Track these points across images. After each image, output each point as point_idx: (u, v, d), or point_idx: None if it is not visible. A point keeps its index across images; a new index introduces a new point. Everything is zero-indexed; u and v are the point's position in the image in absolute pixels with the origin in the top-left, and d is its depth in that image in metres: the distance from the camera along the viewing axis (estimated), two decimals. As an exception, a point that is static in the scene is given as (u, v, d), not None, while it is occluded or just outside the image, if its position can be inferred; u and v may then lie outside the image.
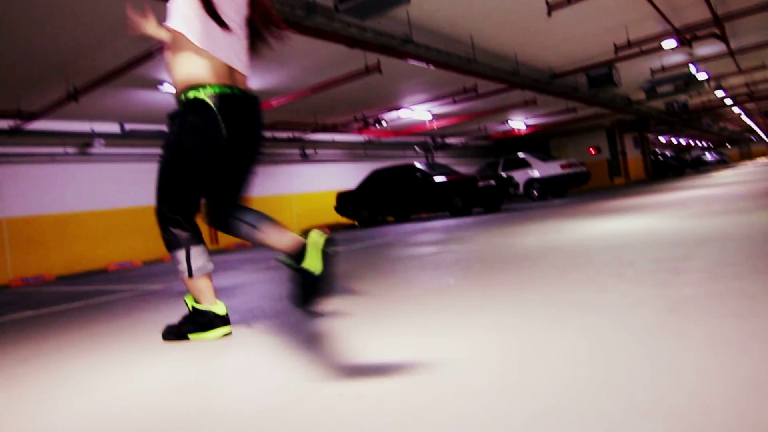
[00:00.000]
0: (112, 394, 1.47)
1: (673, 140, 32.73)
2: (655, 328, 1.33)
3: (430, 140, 16.53)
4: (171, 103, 8.90)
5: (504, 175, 11.45)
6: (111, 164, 9.54)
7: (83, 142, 9.01)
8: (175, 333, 2.02)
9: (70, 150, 8.96)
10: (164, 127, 8.76)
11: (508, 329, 1.53)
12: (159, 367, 1.69)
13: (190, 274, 1.95)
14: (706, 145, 40.58)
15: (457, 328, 1.64)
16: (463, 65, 7.18)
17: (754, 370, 1.00)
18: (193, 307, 1.99)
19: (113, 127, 9.42)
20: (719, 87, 14.19)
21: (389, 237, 7.30)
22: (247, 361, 1.63)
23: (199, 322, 1.97)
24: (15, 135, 7.96)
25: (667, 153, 32.07)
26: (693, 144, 38.02)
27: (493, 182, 10.51)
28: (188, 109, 1.81)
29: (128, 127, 9.61)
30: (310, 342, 1.73)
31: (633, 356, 1.16)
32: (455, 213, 10.73)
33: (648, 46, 8.26)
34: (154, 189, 1.94)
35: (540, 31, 7.57)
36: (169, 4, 1.84)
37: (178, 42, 1.81)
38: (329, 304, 2.22)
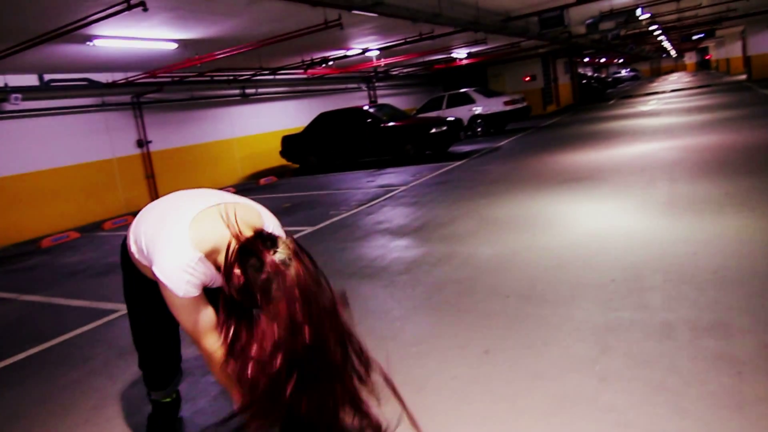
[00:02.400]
0: None
1: (595, 59, 33.66)
2: None
3: (372, 72, 15.77)
4: (104, 55, 7.51)
5: (453, 118, 11.27)
6: (30, 120, 8.24)
7: None
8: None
9: None
10: (89, 76, 7.44)
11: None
12: None
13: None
14: (621, 61, 42.35)
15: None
16: (430, 20, 6.72)
17: None
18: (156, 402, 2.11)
19: (30, 79, 8.07)
20: (654, 22, 14.53)
21: (340, 205, 7.02)
22: None
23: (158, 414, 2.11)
24: None
25: (589, 73, 33.23)
26: (611, 61, 39.47)
27: (445, 128, 10.36)
28: None
29: (48, 77, 8.30)
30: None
31: None
32: (407, 159, 10.56)
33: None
34: None
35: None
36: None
37: None
38: None
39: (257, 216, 1.64)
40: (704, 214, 4.02)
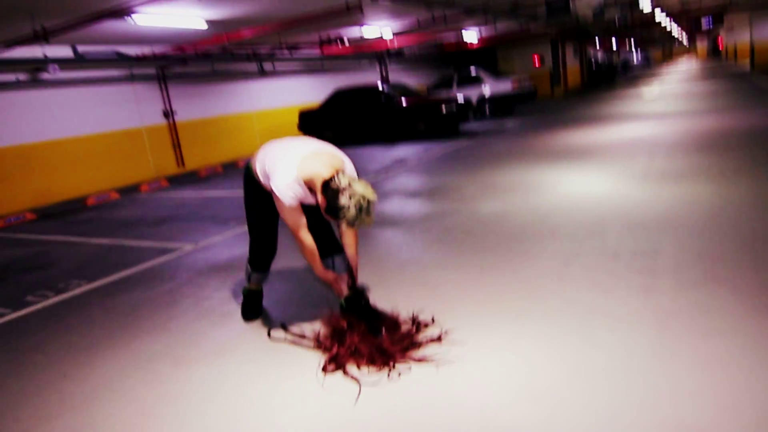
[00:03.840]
0: None
1: (605, 43, 33.78)
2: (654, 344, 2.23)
3: (384, 51, 16.39)
4: (135, 30, 8.13)
5: (462, 97, 11.97)
6: (65, 89, 8.95)
7: (35, 68, 8.45)
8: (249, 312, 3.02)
9: (22, 77, 8.43)
10: (120, 49, 9.08)
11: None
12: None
13: (248, 281, 3.02)
14: (632, 45, 42.16)
15: None
16: (443, 3, 7.52)
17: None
18: (248, 290, 3.05)
19: (65, 51, 8.79)
20: (658, 6, 15.06)
21: (359, 173, 7.53)
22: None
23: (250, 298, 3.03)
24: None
25: (599, 57, 33.33)
26: (621, 45, 39.42)
27: (455, 107, 11.10)
28: None
29: (81, 49, 8.97)
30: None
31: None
32: (418, 135, 11.33)
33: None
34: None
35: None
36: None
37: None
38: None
39: (340, 161, 2.50)
40: (668, 182, 4.84)
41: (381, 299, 2.99)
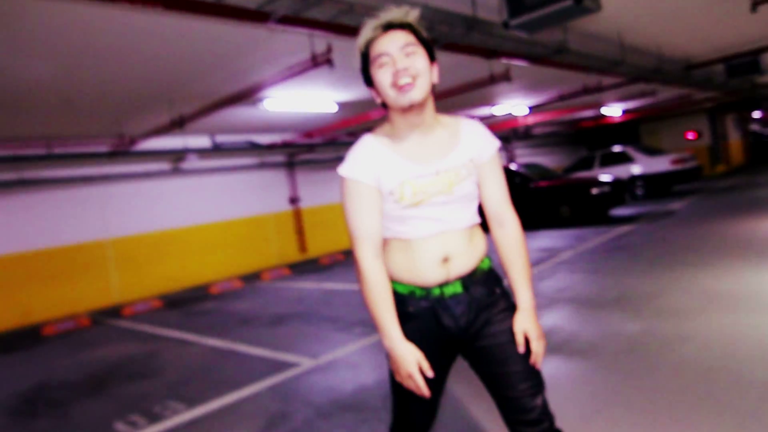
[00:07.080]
0: None
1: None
2: None
3: (511, 132, 15.33)
4: (266, 118, 7.53)
5: (611, 178, 10.15)
6: (200, 177, 9.19)
7: (176, 158, 8.67)
8: None
9: (165, 166, 8.70)
10: (252, 138, 8.48)
11: None
12: None
13: None
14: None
15: None
16: (609, 68, 6.14)
17: None
18: None
19: (204, 141, 8.99)
20: None
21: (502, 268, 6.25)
22: None
23: None
24: (114, 156, 7.82)
25: (757, 129, 28.75)
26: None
27: (607, 189, 9.37)
28: None
29: (217, 140, 9.20)
30: None
31: None
32: (561, 222, 9.69)
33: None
34: None
35: (699, 23, 6.35)
36: None
37: None
38: None
39: None
40: None
41: None
